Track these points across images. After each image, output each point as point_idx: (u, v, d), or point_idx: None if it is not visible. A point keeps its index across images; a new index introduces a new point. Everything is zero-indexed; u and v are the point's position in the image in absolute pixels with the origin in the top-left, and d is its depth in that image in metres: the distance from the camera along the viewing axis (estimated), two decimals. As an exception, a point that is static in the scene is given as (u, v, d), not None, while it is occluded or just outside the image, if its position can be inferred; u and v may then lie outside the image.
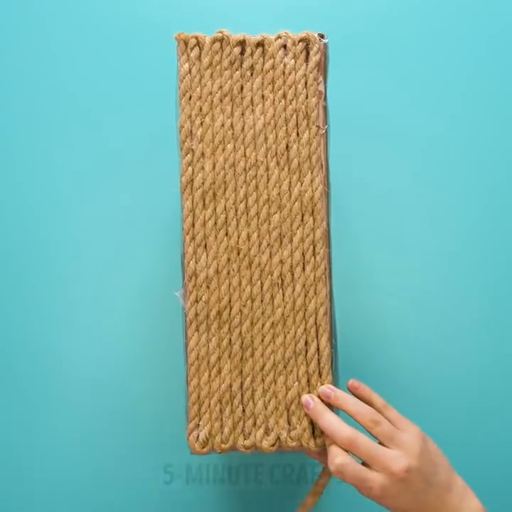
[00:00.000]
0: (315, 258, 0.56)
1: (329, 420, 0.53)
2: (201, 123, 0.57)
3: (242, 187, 0.57)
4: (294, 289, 0.56)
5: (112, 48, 0.75)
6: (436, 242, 0.74)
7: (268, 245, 0.56)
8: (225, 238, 0.57)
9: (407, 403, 0.72)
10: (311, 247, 0.56)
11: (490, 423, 0.72)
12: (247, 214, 0.57)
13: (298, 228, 0.56)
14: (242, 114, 0.57)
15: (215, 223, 0.57)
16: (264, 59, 0.57)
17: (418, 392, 0.72)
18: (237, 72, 0.58)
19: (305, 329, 0.56)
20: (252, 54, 0.57)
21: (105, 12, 0.76)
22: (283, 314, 0.56)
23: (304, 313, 0.56)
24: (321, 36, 0.58)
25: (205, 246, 0.57)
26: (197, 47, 0.58)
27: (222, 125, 0.57)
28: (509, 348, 0.73)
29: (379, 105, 0.75)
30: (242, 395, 0.56)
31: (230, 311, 0.56)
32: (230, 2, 0.75)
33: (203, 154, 0.57)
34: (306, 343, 0.56)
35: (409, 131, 0.75)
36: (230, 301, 0.56)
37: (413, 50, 0.75)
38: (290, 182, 0.57)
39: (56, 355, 0.72)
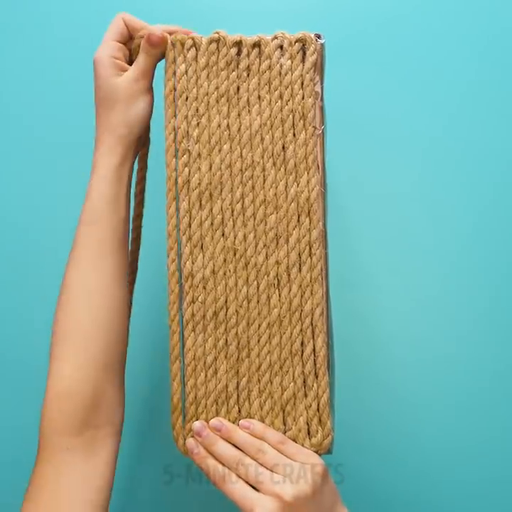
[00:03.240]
0: (311, 259, 0.56)
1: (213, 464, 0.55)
2: (198, 124, 0.57)
3: (238, 188, 0.57)
4: (290, 290, 0.56)
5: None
6: (435, 242, 0.73)
7: (264, 246, 0.56)
8: (222, 239, 0.57)
9: (405, 403, 0.72)
10: (308, 247, 0.56)
11: (490, 424, 0.72)
12: (244, 215, 0.57)
13: (294, 229, 0.56)
14: (239, 115, 0.57)
15: (212, 224, 0.57)
16: (260, 60, 0.58)
17: (417, 393, 0.72)
18: (234, 72, 0.58)
19: (301, 330, 0.56)
20: (248, 55, 0.58)
21: (102, 13, 0.76)
22: (279, 315, 0.56)
23: (300, 313, 0.56)
24: (318, 37, 0.58)
25: (202, 247, 0.57)
26: (193, 48, 0.58)
27: (219, 126, 0.57)
28: (510, 349, 0.73)
29: (377, 105, 0.75)
30: (238, 395, 0.56)
31: (226, 311, 0.56)
32: (227, 3, 0.75)
33: (199, 155, 0.57)
34: (302, 343, 0.56)
35: (407, 131, 0.75)
36: (226, 302, 0.56)
37: (411, 50, 0.75)
38: (286, 183, 0.57)
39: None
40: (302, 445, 0.55)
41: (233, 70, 0.58)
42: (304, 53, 0.57)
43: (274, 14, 0.74)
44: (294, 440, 0.55)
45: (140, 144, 0.61)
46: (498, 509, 0.71)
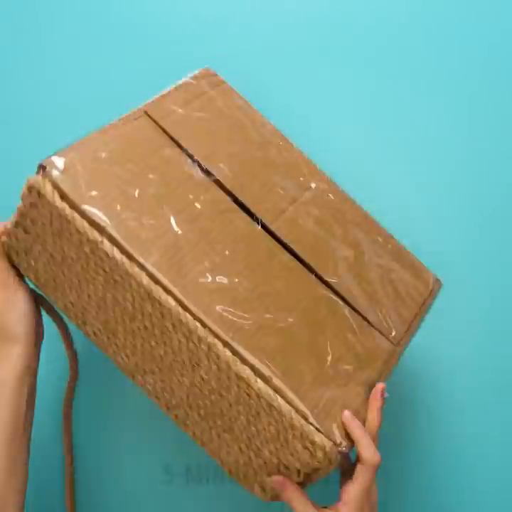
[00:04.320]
0: None
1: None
2: None
3: None
4: None
5: (111, 54, 0.76)
6: (437, 241, 0.74)
7: None
8: None
9: (407, 403, 0.72)
10: None
11: (491, 425, 0.72)
12: None
13: None
14: None
15: None
16: None
17: (418, 392, 0.72)
18: None
19: None
20: None
21: (104, 19, 0.76)
22: None
23: None
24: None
25: None
26: None
27: None
28: (510, 349, 0.73)
29: (379, 104, 0.75)
30: None
31: None
32: (231, 5, 0.76)
33: None
34: None
35: (409, 129, 0.75)
36: None
37: (413, 50, 0.76)
38: None
39: (54, 354, 0.72)
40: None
41: None
42: None
43: (277, 12, 0.75)
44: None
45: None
46: (498, 509, 0.71)
